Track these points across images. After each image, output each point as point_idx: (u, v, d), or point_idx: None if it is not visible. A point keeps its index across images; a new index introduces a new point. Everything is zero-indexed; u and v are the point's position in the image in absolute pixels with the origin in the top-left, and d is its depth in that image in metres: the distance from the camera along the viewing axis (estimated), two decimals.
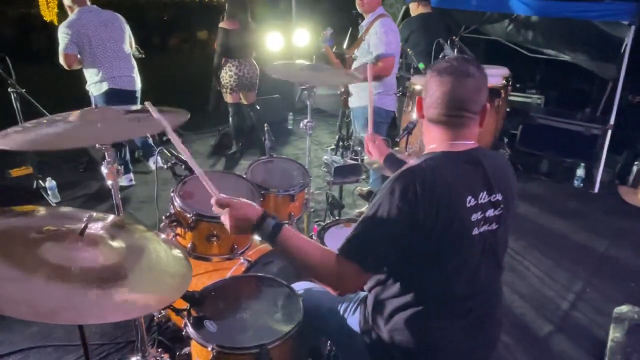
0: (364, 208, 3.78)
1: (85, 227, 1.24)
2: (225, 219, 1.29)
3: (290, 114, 6.06)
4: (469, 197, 1.26)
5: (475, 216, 1.27)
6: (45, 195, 3.83)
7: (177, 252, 1.38)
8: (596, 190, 4.47)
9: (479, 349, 1.41)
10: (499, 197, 1.32)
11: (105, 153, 1.53)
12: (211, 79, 4.81)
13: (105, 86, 3.67)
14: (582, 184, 4.60)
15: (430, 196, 1.21)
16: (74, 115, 1.50)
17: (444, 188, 1.23)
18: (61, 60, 3.51)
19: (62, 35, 3.48)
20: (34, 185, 3.93)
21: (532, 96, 5.93)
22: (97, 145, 1.48)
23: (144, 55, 4.15)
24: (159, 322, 2.24)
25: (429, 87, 1.36)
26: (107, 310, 1.07)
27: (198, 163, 1.86)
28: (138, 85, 3.93)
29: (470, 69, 1.30)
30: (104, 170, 1.56)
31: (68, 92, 4.31)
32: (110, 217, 1.43)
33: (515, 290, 2.91)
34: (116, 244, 1.29)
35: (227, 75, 4.48)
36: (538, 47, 5.89)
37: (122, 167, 3.85)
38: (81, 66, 3.64)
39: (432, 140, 1.39)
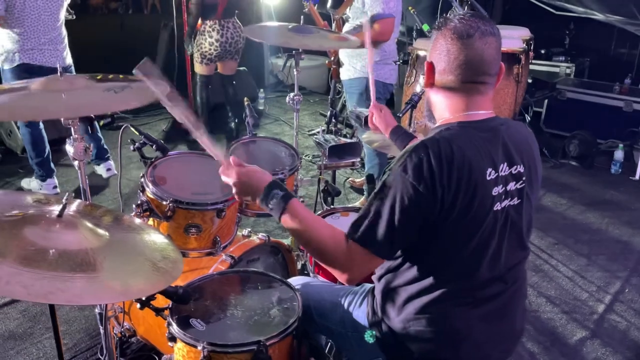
0: (358, 202, 4.04)
1: (64, 208, 1.47)
2: (231, 181, 1.57)
3: (261, 90, 6.27)
4: (489, 170, 1.50)
5: (497, 190, 1.51)
6: None
7: (159, 236, 1.62)
8: (637, 176, 4.87)
9: (503, 340, 1.68)
10: (521, 169, 1.58)
11: (72, 128, 1.74)
12: (153, 44, 4.81)
13: (17, 59, 3.82)
14: (620, 170, 4.97)
15: (448, 171, 1.43)
16: (35, 84, 1.71)
17: (463, 161, 1.46)
18: None
19: None
20: None
21: (560, 64, 6.25)
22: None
23: (74, 17, 4.32)
24: (120, 338, 2.44)
25: (446, 50, 1.54)
26: (101, 291, 1.30)
27: (146, 152, 2.12)
28: (67, 60, 4.09)
29: (491, 26, 1.54)
30: (69, 149, 1.77)
31: None
32: (80, 202, 1.65)
33: (541, 293, 3.23)
34: (96, 227, 1.52)
35: (207, 42, 4.55)
36: (567, 2, 6.19)
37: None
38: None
39: (445, 110, 1.62)
